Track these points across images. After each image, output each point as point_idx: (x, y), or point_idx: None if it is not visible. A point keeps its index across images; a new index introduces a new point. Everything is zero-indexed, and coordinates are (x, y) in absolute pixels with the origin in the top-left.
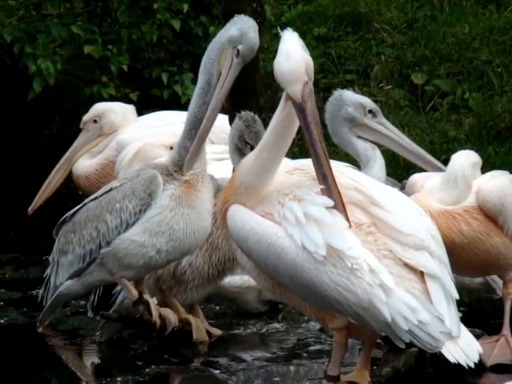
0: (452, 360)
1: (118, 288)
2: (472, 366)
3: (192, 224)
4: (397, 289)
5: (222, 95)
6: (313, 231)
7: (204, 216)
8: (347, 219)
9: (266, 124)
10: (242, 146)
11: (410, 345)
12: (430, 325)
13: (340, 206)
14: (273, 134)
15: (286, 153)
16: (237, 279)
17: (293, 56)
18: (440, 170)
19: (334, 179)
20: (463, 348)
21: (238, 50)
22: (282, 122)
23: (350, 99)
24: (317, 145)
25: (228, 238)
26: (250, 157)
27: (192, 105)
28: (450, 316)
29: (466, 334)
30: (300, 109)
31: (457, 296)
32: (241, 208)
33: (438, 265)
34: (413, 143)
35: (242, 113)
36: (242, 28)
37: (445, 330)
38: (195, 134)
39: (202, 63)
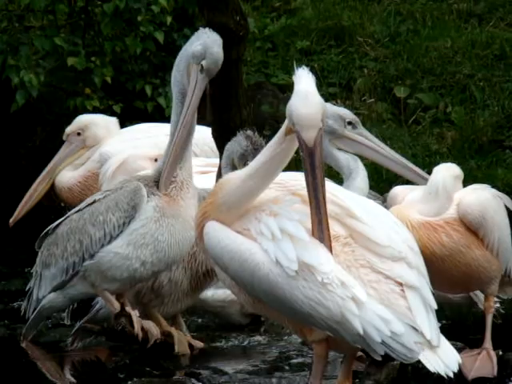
0: (431, 369)
1: (98, 299)
2: (451, 375)
3: (176, 234)
4: (369, 301)
5: (191, 112)
6: (287, 246)
7: (189, 225)
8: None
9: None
10: (238, 164)
11: (388, 356)
12: (403, 335)
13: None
14: (264, 165)
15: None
16: (220, 293)
17: (312, 101)
18: (424, 178)
19: (327, 224)
20: (442, 358)
21: (202, 66)
22: (277, 155)
23: (329, 111)
24: (319, 190)
25: (205, 252)
26: (236, 179)
27: (172, 116)
28: (430, 326)
29: (445, 344)
30: (310, 153)
31: (435, 306)
32: (216, 225)
33: (415, 275)
34: (395, 153)
35: (249, 132)
36: (205, 43)
37: (420, 340)
38: None
39: (172, 76)
